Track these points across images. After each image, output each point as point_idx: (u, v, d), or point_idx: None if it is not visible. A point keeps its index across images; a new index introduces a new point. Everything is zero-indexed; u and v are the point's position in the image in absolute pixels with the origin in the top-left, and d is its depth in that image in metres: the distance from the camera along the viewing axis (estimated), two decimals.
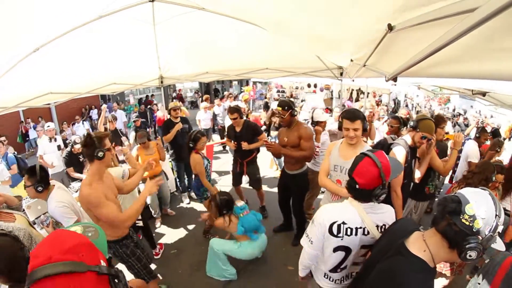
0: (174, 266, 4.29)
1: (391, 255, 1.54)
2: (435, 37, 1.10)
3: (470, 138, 5.30)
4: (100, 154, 2.57)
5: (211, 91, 24.93)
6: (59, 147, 6.61)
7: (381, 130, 7.52)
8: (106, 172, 2.82)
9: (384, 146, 3.43)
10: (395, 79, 1.64)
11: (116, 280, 0.97)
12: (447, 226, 1.35)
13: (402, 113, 6.06)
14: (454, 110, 18.12)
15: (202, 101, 11.54)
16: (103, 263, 0.96)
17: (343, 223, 1.92)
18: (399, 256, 1.50)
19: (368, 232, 1.94)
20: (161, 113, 8.18)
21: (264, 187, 6.46)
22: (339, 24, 2.20)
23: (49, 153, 6.40)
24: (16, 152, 8.18)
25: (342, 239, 1.95)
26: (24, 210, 3.99)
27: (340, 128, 3.01)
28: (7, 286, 1.76)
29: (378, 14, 1.58)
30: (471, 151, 4.76)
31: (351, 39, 2.45)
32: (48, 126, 6.63)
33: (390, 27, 1.54)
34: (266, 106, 11.13)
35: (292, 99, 4.43)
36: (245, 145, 4.90)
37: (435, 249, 1.42)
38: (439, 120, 3.68)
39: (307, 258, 2.18)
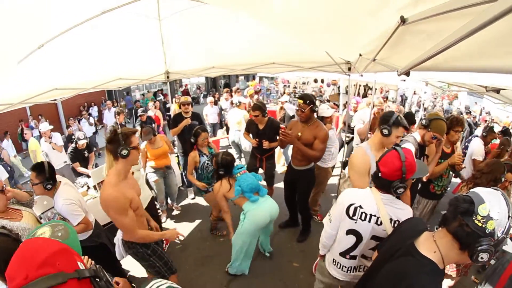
0: (179, 261, 4.29)
1: (400, 255, 1.52)
2: (451, 30, 1.05)
3: (477, 136, 5.21)
4: (124, 152, 2.40)
5: (218, 86, 24.93)
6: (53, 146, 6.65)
7: None
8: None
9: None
10: (407, 73, 1.59)
11: (97, 279, 0.95)
12: (459, 227, 1.31)
13: (392, 108, 6.01)
14: (465, 107, 17.91)
15: (205, 96, 11.53)
16: (80, 265, 0.94)
17: (360, 206, 2.06)
18: (408, 257, 1.47)
19: (381, 223, 2.02)
20: (152, 113, 8.09)
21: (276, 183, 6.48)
22: (349, 17, 2.15)
23: (49, 151, 6.57)
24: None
25: (355, 222, 2.07)
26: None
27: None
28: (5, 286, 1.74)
29: (390, 6, 1.53)
30: (476, 149, 4.71)
31: (361, 32, 2.40)
32: (45, 127, 6.67)
33: (403, 20, 1.49)
34: None
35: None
36: (266, 144, 4.86)
37: (446, 251, 1.39)
38: (454, 123, 3.53)
39: (324, 237, 2.34)
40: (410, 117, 5.25)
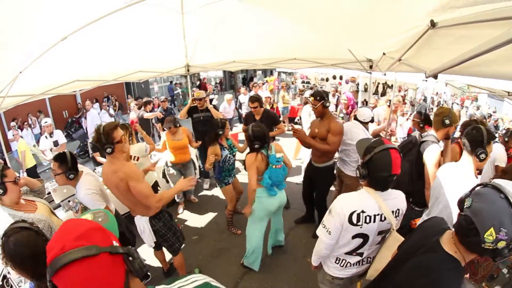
0: (194, 252, 4.37)
1: (424, 252, 1.54)
2: (483, 37, 1.06)
3: (497, 142, 5.04)
4: (109, 150, 2.68)
5: (236, 80, 24.92)
6: (55, 143, 6.65)
7: (404, 127, 7.38)
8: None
9: (415, 145, 3.39)
10: (435, 76, 1.59)
11: (130, 258, 0.98)
12: (475, 245, 1.33)
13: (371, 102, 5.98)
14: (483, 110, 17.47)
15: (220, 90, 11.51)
16: (116, 244, 0.98)
17: (362, 211, 2.01)
18: (432, 253, 1.49)
19: (385, 218, 2.04)
20: (134, 115, 7.96)
21: (290, 178, 6.51)
22: (375, 15, 2.15)
23: (47, 148, 6.56)
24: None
25: (361, 227, 2.04)
26: (49, 193, 4.14)
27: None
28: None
29: (421, 9, 1.54)
30: (499, 155, 4.56)
31: (386, 31, 2.39)
32: (46, 122, 6.61)
33: (433, 24, 1.50)
34: None
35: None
36: None
37: (465, 254, 1.41)
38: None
39: (323, 248, 2.23)
40: (429, 119, 5.19)
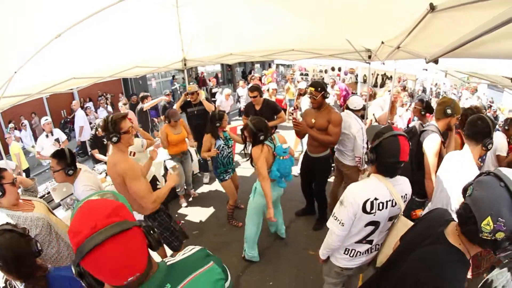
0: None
1: (429, 243, 1.52)
2: (483, 17, 1.03)
3: (498, 130, 4.97)
4: (114, 139, 2.74)
5: (234, 73, 24.83)
6: (57, 141, 6.60)
7: (404, 117, 7.35)
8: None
9: (415, 134, 3.35)
10: (436, 61, 1.56)
11: (151, 232, 1.05)
12: (474, 235, 1.31)
13: (364, 91, 5.98)
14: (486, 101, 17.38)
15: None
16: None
17: (375, 199, 2.02)
18: (438, 245, 1.47)
19: (396, 203, 2.07)
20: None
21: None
22: (373, 3, 2.11)
23: (47, 147, 6.36)
24: None
25: (374, 215, 2.05)
26: (48, 192, 4.14)
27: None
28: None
29: None
30: (500, 144, 4.47)
31: (384, 19, 2.36)
32: (46, 120, 6.52)
33: (432, 7, 1.46)
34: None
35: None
36: None
37: (468, 246, 1.39)
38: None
39: (336, 241, 2.22)
40: (431, 107, 5.17)
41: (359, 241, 2.23)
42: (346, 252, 2.32)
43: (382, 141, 1.95)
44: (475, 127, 2.46)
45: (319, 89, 3.89)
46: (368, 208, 2.01)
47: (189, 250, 1.29)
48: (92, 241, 0.85)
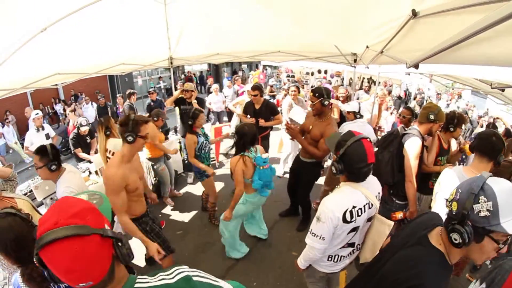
0: (179, 247, 4.32)
1: (412, 245, 1.54)
2: (463, 24, 1.06)
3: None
4: (130, 138, 2.60)
5: (220, 73, 24.77)
6: (47, 136, 6.42)
7: (388, 121, 7.47)
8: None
9: (397, 136, 3.37)
10: (416, 66, 1.59)
11: (119, 244, 1.00)
12: (446, 219, 1.38)
13: (341, 92, 6.09)
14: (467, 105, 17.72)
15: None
16: (107, 227, 0.99)
17: (353, 207, 2.01)
18: (419, 246, 1.50)
19: (372, 205, 2.10)
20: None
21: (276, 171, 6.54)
22: (359, 9, 2.14)
23: (37, 143, 5.83)
24: None
25: (355, 222, 2.04)
26: (31, 190, 4.05)
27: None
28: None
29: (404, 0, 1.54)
30: None
31: (369, 24, 2.39)
32: (37, 114, 6.32)
33: (414, 13, 1.49)
34: None
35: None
36: (262, 122, 5.08)
37: (447, 243, 1.41)
38: (461, 121, 3.56)
39: (318, 254, 2.18)
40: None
41: (342, 247, 2.24)
42: (330, 259, 2.31)
43: (347, 149, 1.93)
44: (489, 143, 2.37)
45: (317, 94, 3.75)
46: (348, 218, 1.99)
47: (173, 276, 1.12)
48: (49, 236, 0.86)
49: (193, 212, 5.29)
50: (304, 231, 4.61)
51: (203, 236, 4.60)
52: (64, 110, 13.19)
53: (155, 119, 4.92)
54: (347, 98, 6.07)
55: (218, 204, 4.96)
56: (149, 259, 3.89)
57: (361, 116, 4.53)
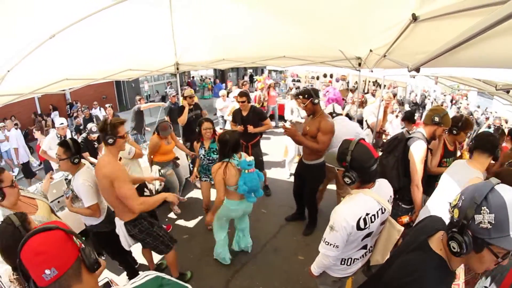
0: (185, 251, 4.35)
1: (412, 250, 1.55)
2: (462, 27, 1.07)
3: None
4: (110, 140, 2.84)
5: (226, 78, 24.94)
6: None
7: (394, 124, 7.43)
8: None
9: (401, 141, 3.36)
10: (417, 70, 1.60)
11: (88, 252, 1.14)
12: (448, 225, 1.37)
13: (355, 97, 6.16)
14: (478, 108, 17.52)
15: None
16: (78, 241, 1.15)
17: (367, 214, 2.02)
18: (420, 251, 1.50)
19: (385, 209, 2.11)
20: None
21: (279, 175, 6.63)
22: (361, 13, 2.16)
23: (55, 149, 5.98)
24: None
25: (369, 228, 2.06)
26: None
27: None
28: None
29: (402, 4, 1.55)
30: None
31: (372, 28, 2.41)
32: (61, 124, 6.16)
33: (414, 17, 1.51)
34: None
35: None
36: (251, 128, 5.07)
37: (447, 249, 1.39)
38: (467, 125, 3.56)
39: (332, 261, 2.21)
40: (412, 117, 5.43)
41: (355, 250, 2.26)
42: (343, 262, 2.32)
43: (353, 153, 1.94)
44: (488, 142, 2.73)
45: (306, 96, 3.91)
46: (362, 225, 2.01)
47: (140, 278, 1.22)
48: (25, 238, 1.04)
49: (199, 217, 5.32)
50: (310, 236, 4.63)
51: (209, 241, 4.60)
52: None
53: (156, 132, 4.91)
54: (362, 104, 6.18)
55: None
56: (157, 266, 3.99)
57: (337, 115, 4.81)
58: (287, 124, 5.59)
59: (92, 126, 5.89)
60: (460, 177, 2.69)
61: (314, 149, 3.99)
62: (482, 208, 1.17)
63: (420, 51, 1.65)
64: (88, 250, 1.13)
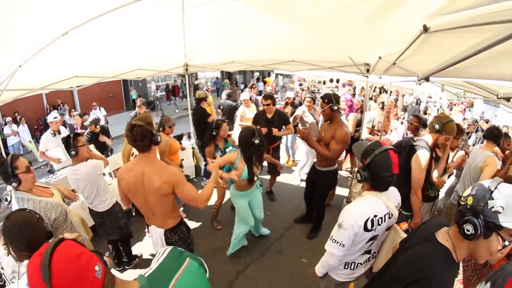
0: None
1: (418, 242, 1.64)
2: (471, 41, 1.12)
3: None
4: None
5: (233, 80, 24.99)
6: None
7: (399, 130, 7.42)
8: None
9: (406, 146, 3.38)
10: (427, 79, 1.65)
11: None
12: (457, 214, 1.47)
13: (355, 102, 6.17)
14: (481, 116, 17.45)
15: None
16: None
17: (375, 216, 2.05)
18: (427, 243, 1.59)
19: (392, 215, 2.14)
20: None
21: (286, 179, 6.74)
22: (375, 21, 2.20)
23: (52, 148, 5.70)
24: None
25: (375, 231, 2.08)
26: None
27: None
28: None
29: (414, 15, 1.60)
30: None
31: (384, 37, 2.44)
32: (55, 118, 5.77)
33: (426, 28, 1.56)
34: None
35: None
36: (276, 131, 5.07)
37: (455, 239, 1.51)
38: (459, 131, 3.59)
39: (337, 261, 2.23)
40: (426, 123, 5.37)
41: (359, 254, 2.29)
42: (347, 267, 2.34)
43: (374, 157, 1.98)
44: (493, 133, 4.04)
45: (326, 100, 3.88)
46: (369, 226, 2.04)
47: (161, 254, 1.29)
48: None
49: (205, 217, 5.33)
50: (314, 239, 4.65)
51: (215, 241, 4.65)
52: None
53: (161, 129, 4.71)
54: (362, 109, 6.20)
55: (221, 212, 5.11)
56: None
57: None
58: (300, 126, 5.63)
59: (94, 119, 5.91)
60: (480, 158, 3.82)
61: (325, 156, 3.98)
62: (495, 194, 1.34)
63: (430, 60, 1.70)
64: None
